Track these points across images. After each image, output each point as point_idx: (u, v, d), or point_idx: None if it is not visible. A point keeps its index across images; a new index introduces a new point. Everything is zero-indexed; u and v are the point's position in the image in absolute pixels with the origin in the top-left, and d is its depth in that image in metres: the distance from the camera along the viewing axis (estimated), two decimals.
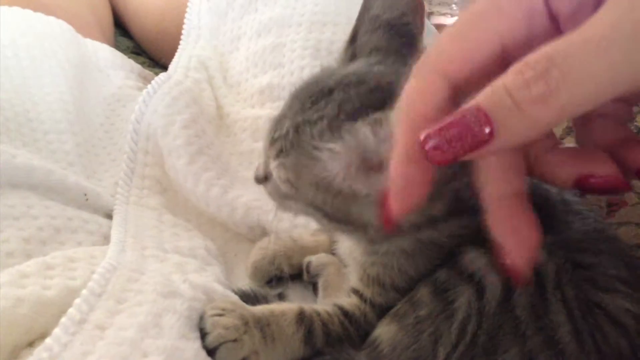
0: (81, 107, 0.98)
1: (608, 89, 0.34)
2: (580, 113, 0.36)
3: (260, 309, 0.63)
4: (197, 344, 0.57)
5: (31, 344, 0.56)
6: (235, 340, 0.58)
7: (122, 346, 0.52)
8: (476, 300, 0.53)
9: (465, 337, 0.53)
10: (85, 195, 0.82)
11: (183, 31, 1.22)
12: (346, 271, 0.71)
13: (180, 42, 1.21)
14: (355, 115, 0.52)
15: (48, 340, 0.52)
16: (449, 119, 0.36)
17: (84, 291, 0.58)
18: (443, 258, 0.59)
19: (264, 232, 0.85)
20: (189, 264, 0.71)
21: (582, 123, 0.44)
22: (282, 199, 0.63)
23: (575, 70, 0.34)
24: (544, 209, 0.60)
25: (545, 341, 0.52)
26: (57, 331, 0.53)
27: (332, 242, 0.78)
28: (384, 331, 0.58)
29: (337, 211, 0.59)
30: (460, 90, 0.40)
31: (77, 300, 0.56)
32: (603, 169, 0.40)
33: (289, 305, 0.65)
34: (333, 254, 0.77)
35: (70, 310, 0.55)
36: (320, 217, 0.61)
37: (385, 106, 0.47)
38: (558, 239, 0.57)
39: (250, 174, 0.94)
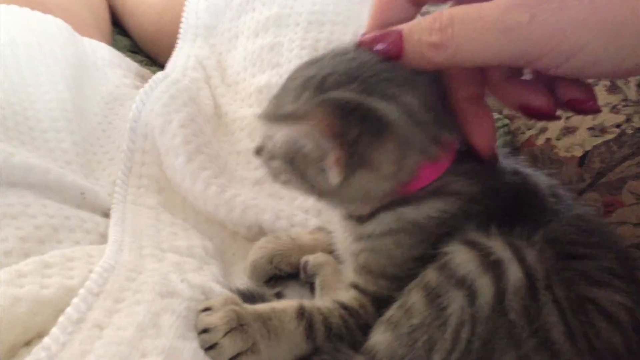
0: (79, 105, 0.98)
1: (480, 60, 0.48)
2: (462, 67, 0.53)
3: (261, 305, 0.63)
4: (195, 343, 0.57)
5: (28, 343, 0.56)
6: (214, 346, 0.58)
7: (120, 346, 0.53)
8: (468, 306, 0.53)
9: (460, 343, 0.53)
10: (83, 194, 0.82)
11: (180, 30, 1.22)
12: (343, 267, 0.72)
13: (178, 41, 1.21)
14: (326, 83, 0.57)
15: (46, 340, 0.52)
16: (385, 31, 0.53)
17: (82, 290, 0.58)
18: (428, 246, 0.60)
19: (261, 231, 0.85)
20: (186, 263, 0.71)
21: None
22: (273, 168, 0.65)
23: (462, 35, 0.47)
24: (533, 199, 0.63)
25: (540, 343, 0.52)
26: (55, 330, 0.53)
27: (330, 239, 0.78)
28: (380, 340, 0.58)
29: (302, 175, 0.61)
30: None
31: (75, 300, 0.56)
32: (538, 100, 0.54)
33: (289, 301, 0.65)
34: (331, 252, 0.77)
35: (68, 310, 0.55)
36: (296, 183, 0.63)
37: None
38: (548, 231, 0.58)
39: (247, 174, 0.95)
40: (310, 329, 0.62)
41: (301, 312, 0.62)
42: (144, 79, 1.20)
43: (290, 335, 0.61)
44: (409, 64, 0.52)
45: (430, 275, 0.56)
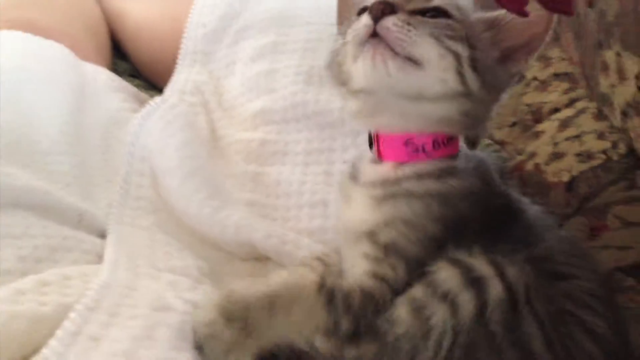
0: (80, 129, 1.00)
1: None
2: None
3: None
4: (189, 354, 0.59)
5: (25, 359, 0.57)
6: (213, 336, 0.59)
7: (116, 357, 0.55)
8: (451, 317, 0.56)
9: (441, 352, 0.55)
10: (80, 215, 0.83)
11: (179, 56, 1.25)
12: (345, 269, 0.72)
13: (177, 66, 1.24)
14: None
15: (44, 351, 0.54)
16: None
17: (78, 305, 0.60)
18: (444, 231, 0.63)
19: (253, 250, 0.88)
20: (181, 282, 0.73)
21: None
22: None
23: None
24: (521, 221, 0.66)
25: (520, 353, 0.55)
26: (52, 342, 0.55)
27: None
28: (367, 349, 0.60)
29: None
30: None
31: (72, 314, 0.58)
32: None
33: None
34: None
35: (65, 323, 0.57)
36: None
37: None
38: (535, 251, 0.62)
39: (241, 196, 0.97)
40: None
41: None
42: (143, 104, 1.21)
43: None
44: None
45: (416, 290, 0.60)
